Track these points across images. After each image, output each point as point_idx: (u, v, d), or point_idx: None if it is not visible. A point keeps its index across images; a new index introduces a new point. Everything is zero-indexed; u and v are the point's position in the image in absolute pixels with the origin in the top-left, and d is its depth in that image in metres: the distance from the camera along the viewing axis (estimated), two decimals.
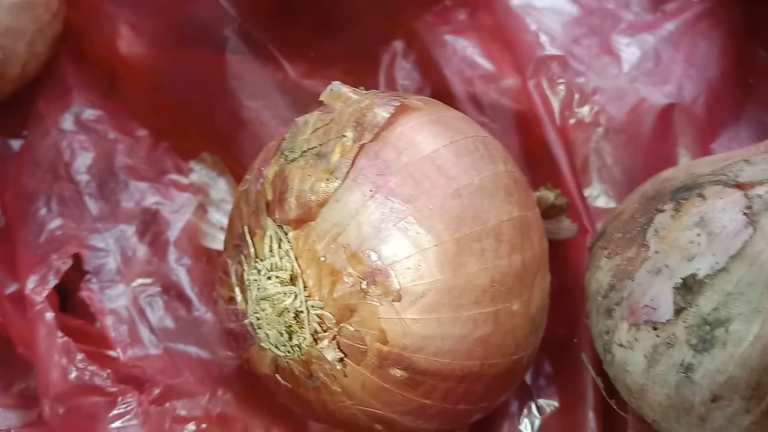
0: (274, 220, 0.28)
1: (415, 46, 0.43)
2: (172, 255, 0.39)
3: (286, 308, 0.27)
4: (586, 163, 0.38)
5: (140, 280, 0.39)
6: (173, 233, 0.40)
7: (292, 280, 0.28)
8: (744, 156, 0.29)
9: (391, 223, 0.27)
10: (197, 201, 0.41)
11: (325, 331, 0.27)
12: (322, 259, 0.27)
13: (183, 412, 0.34)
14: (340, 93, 0.29)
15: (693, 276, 0.26)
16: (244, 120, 0.42)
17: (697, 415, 0.27)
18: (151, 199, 0.41)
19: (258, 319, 0.29)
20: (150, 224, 0.40)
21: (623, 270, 0.28)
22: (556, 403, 0.34)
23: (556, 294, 0.36)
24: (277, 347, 0.29)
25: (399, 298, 0.26)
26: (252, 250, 0.29)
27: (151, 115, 0.44)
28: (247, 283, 0.29)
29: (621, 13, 0.41)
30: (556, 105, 0.39)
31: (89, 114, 0.43)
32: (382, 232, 0.26)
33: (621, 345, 0.28)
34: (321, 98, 0.30)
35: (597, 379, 0.32)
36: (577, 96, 0.39)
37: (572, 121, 0.38)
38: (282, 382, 0.30)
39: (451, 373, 0.27)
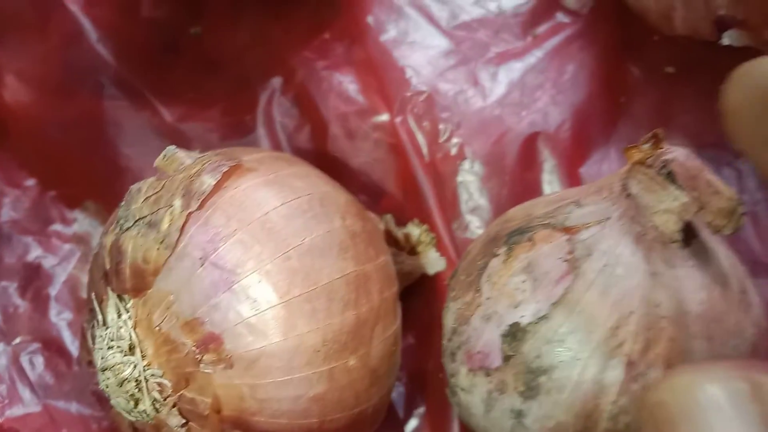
0: (113, 290, 0.29)
1: (293, 83, 0.43)
2: (54, 310, 0.40)
3: (126, 378, 0.28)
4: (455, 196, 0.39)
5: (21, 338, 0.39)
6: (55, 288, 0.40)
7: (131, 349, 0.28)
8: (575, 197, 0.29)
9: (221, 290, 0.27)
10: (80, 252, 0.41)
11: (165, 399, 0.28)
12: (158, 328, 0.27)
13: None
14: (174, 158, 0.29)
15: (518, 323, 0.27)
16: (122, 167, 0.42)
17: None
18: (34, 253, 0.41)
19: (106, 387, 0.29)
20: (32, 279, 0.40)
21: (462, 314, 0.29)
22: (423, 420, 0.35)
23: (427, 328, 0.37)
24: (128, 413, 0.29)
25: (232, 365, 0.27)
26: (100, 317, 0.30)
27: (38, 164, 0.44)
28: (95, 350, 0.29)
29: (491, 42, 0.41)
30: (422, 140, 0.39)
31: None
32: (212, 299, 0.27)
33: (463, 389, 0.29)
34: (155, 164, 0.30)
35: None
36: (442, 130, 0.39)
37: (439, 155, 0.39)
38: None
39: None
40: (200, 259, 0.27)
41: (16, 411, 0.36)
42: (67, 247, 0.42)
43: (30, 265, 0.41)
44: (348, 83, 0.42)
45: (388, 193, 0.40)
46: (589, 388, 0.26)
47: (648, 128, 0.40)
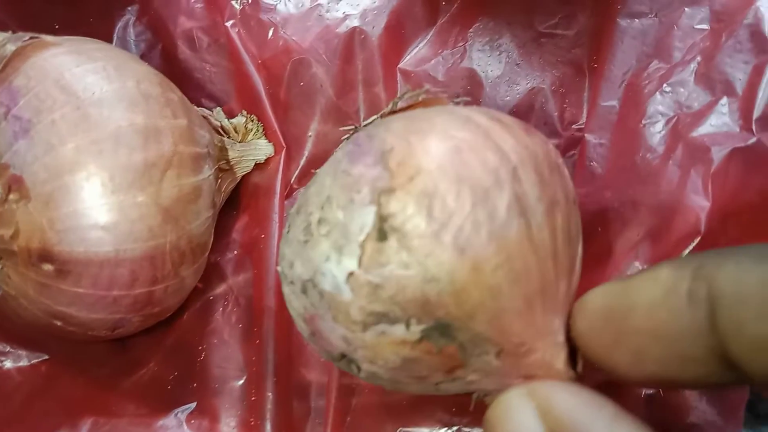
0: None
1: (148, 10, 0.47)
2: None
3: None
4: (286, 90, 0.43)
5: None
6: None
7: None
8: None
9: (20, 137, 0.31)
10: None
11: None
12: None
13: None
14: None
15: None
16: None
17: None
18: None
19: None
20: None
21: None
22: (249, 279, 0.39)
23: (260, 208, 0.41)
24: None
25: (30, 199, 0.31)
26: None
27: None
28: None
29: None
30: (253, 42, 0.43)
31: None
32: (14, 146, 0.31)
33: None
34: None
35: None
36: (270, 31, 0.43)
37: (268, 54, 0.43)
38: None
39: (88, 261, 0.31)
40: (4, 113, 0.31)
41: None
42: None
43: None
44: (194, 3, 0.46)
45: (231, 97, 0.45)
46: None
47: (462, 26, 0.45)
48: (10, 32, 0.35)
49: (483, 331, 0.23)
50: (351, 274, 0.23)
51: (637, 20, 0.40)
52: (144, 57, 0.46)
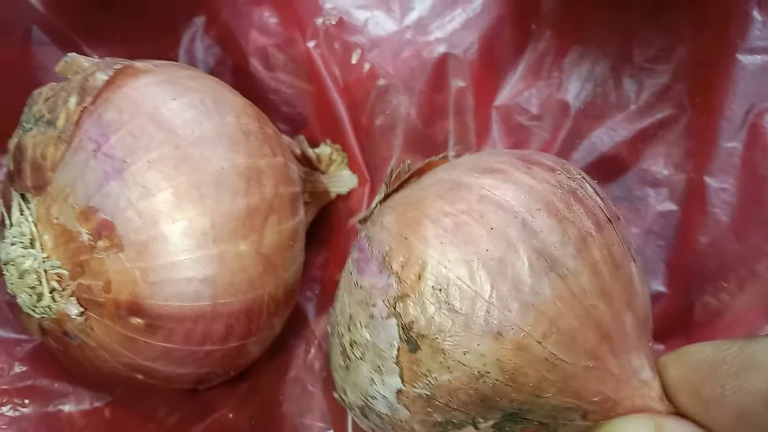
0: (16, 190, 0.30)
1: (216, 22, 0.44)
2: None
3: (27, 270, 0.29)
4: (369, 117, 0.40)
5: None
6: None
7: (32, 243, 0.29)
8: None
9: (112, 178, 0.28)
10: None
11: (63, 289, 0.28)
12: (56, 221, 0.28)
13: None
14: (74, 62, 0.30)
15: None
16: None
17: None
18: None
19: (11, 284, 0.30)
20: None
21: None
22: None
23: (341, 244, 0.38)
24: (33, 310, 0.30)
25: (123, 249, 0.28)
26: (8, 221, 0.30)
27: None
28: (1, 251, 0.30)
29: None
30: (336, 65, 0.40)
31: None
32: (104, 188, 0.28)
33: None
34: (56, 69, 0.31)
35: None
36: (356, 54, 0.40)
37: (352, 79, 0.40)
38: (53, 344, 0.31)
39: (183, 316, 0.28)
40: (93, 150, 0.28)
41: None
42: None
43: None
44: (268, 17, 0.43)
45: (308, 121, 0.42)
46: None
47: (556, 54, 0.42)
48: (96, 57, 0.32)
49: (556, 403, 0.21)
50: (399, 391, 0.22)
51: (759, 56, 0.37)
52: (213, 73, 0.43)
